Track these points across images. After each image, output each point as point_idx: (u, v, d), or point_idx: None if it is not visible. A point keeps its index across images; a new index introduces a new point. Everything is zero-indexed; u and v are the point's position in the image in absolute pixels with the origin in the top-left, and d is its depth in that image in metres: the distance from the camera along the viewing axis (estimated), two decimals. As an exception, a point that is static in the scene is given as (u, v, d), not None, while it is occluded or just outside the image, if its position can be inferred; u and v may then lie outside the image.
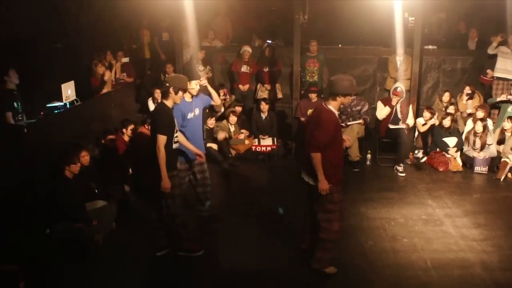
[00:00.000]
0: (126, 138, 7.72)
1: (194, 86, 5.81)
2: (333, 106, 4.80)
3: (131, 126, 7.74)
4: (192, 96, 5.86)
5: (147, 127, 7.27)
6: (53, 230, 5.62)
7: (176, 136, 5.15)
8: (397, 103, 8.44)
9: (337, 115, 4.84)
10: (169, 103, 5.09)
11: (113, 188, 6.69)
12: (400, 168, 8.23)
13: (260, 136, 9.20)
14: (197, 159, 5.75)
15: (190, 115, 5.81)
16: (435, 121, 8.91)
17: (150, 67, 10.97)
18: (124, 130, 7.72)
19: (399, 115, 8.50)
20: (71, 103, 7.87)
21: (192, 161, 5.88)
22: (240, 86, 10.15)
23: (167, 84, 5.06)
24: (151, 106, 9.09)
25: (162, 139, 4.92)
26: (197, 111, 5.92)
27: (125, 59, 10.00)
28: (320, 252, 5.05)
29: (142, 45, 11.00)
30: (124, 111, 9.06)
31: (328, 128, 4.69)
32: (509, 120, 8.51)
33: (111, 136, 7.29)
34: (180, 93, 5.10)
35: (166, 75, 9.70)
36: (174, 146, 5.13)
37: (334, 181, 4.82)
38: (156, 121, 5.08)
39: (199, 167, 6.03)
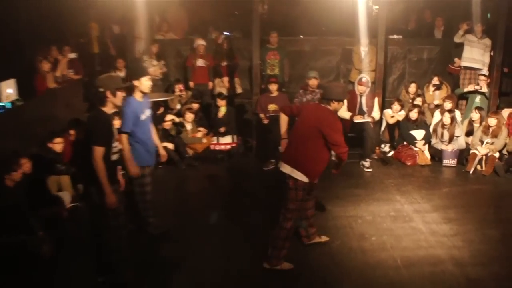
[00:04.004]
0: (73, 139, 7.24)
1: (145, 83, 5.28)
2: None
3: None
4: (143, 95, 5.36)
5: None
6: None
7: (115, 147, 4.58)
8: (361, 94, 8.28)
9: None
10: (107, 109, 4.47)
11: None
12: (367, 164, 8.16)
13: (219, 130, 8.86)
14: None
15: (142, 116, 5.34)
16: (403, 114, 8.88)
17: (99, 63, 10.43)
18: (71, 131, 7.24)
19: (364, 108, 8.34)
20: (12, 103, 7.47)
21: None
22: (191, 83, 9.70)
23: (101, 89, 4.41)
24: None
25: (99, 151, 4.34)
26: (147, 112, 5.46)
27: (72, 55, 9.46)
28: (270, 249, 5.04)
29: (90, 39, 10.45)
30: (72, 111, 8.58)
31: (340, 127, 4.92)
32: (477, 110, 8.55)
33: (57, 139, 6.78)
34: (119, 93, 4.48)
35: (117, 73, 9.23)
36: (113, 157, 4.57)
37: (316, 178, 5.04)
38: (91, 131, 4.49)
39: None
